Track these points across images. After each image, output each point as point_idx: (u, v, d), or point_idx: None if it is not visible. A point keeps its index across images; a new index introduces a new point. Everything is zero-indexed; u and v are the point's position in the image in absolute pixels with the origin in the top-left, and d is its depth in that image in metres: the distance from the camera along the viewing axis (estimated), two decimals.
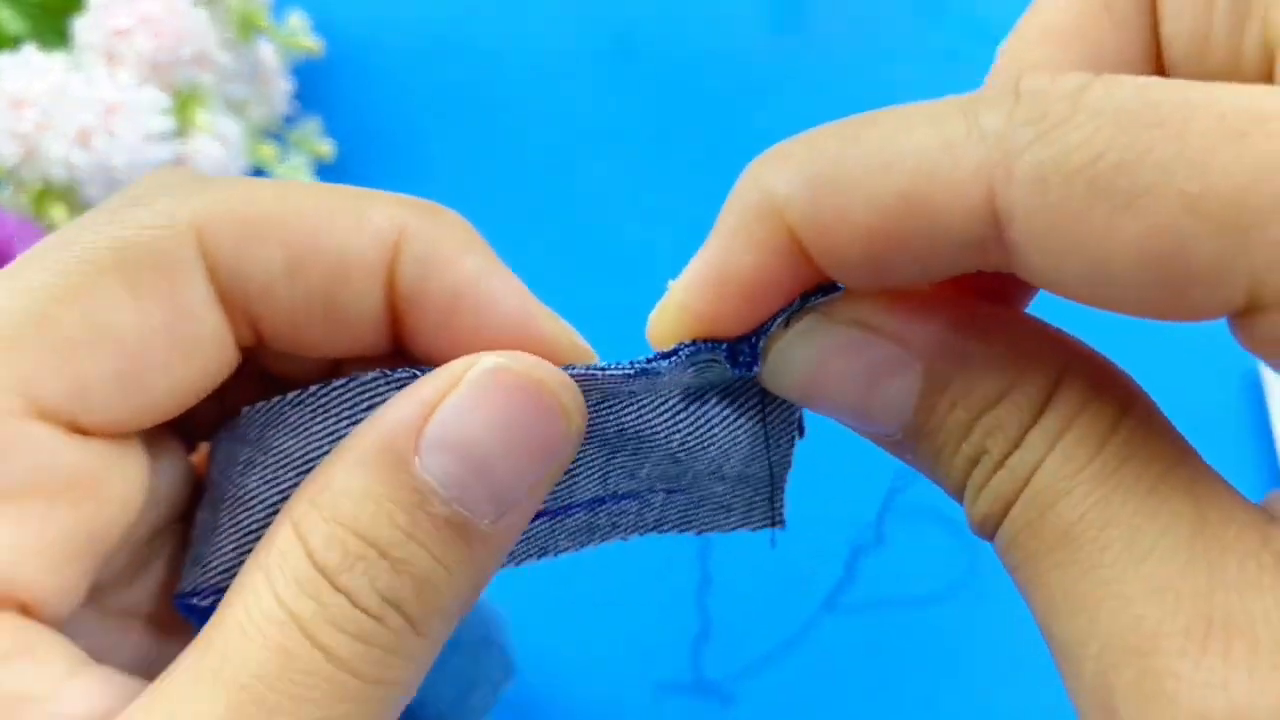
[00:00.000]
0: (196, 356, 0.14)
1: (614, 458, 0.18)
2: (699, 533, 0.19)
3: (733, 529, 0.19)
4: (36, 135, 0.44)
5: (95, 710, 0.12)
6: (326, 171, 0.55)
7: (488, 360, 0.14)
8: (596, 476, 0.19)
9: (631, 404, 0.18)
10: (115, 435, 0.14)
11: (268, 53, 0.54)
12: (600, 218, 0.56)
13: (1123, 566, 0.12)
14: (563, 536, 0.19)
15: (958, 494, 0.14)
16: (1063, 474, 0.13)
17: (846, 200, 0.13)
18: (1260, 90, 0.11)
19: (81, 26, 0.47)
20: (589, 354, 0.16)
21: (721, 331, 0.16)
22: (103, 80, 0.45)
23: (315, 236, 0.14)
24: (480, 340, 0.15)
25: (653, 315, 0.17)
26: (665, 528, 0.20)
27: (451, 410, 0.13)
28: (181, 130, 0.48)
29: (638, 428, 0.18)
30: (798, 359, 0.14)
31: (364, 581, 0.12)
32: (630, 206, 0.56)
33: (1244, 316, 0.12)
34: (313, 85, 0.58)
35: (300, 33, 0.53)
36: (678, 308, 0.16)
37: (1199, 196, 0.11)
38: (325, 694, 0.11)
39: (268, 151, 0.51)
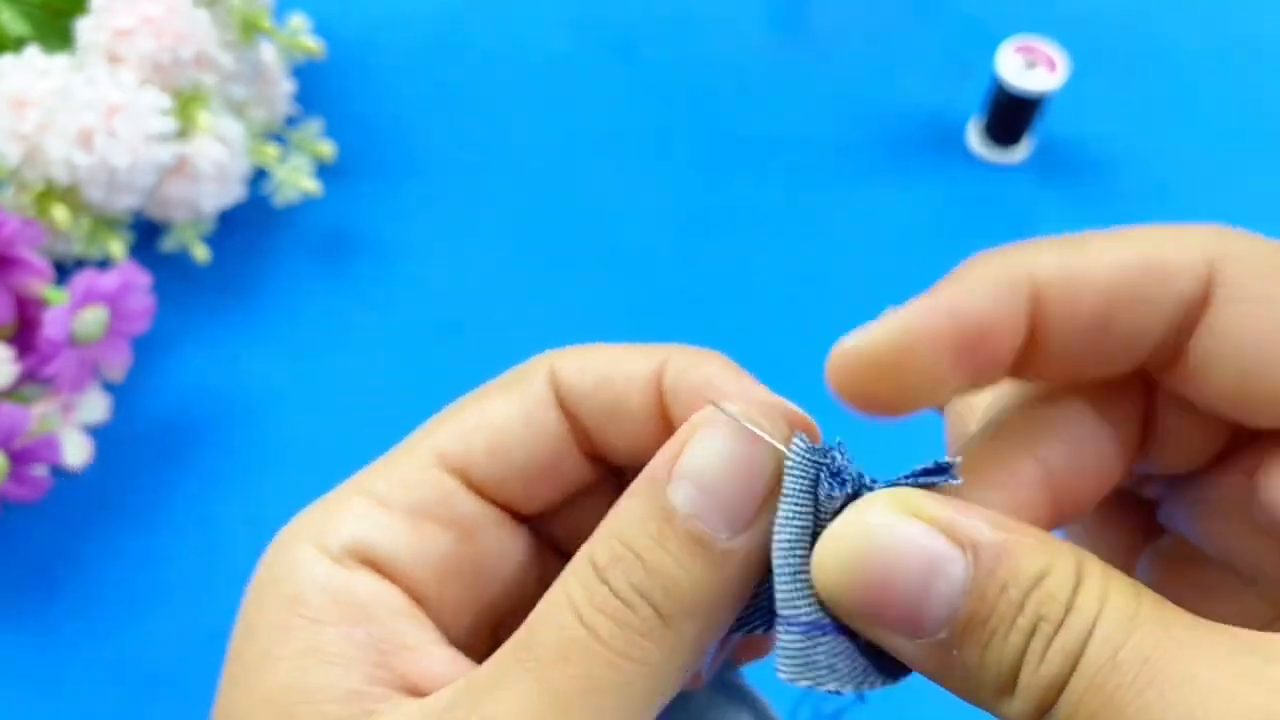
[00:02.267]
0: (545, 443, 0.19)
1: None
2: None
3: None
4: (38, 136, 0.44)
5: (448, 674, 0.17)
6: (328, 172, 0.55)
7: (710, 409, 0.17)
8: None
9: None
10: (496, 502, 0.19)
11: (269, 54, 0.54)
12: (600, 219, 0.56)
13: (1210, 679, 0.13)
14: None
15: (1007, 679, 0.15)
16: (1122, 619, 0.14)
17: (1089, 261, 0.16)
18: None
19: (84, 27, 0.47)
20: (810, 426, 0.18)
21: (904, 373, 0.17)
22: (104, 81, 0.45)
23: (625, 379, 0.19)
24: None
25: (854, 337, 0.18)
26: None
27: (692, 447, 0.16)
28: (183, 131, 0.48)
29: None
30: (874, 549, 0.15)
31: (622, 576, 0.16)
32: (630, 208, 0.57)
33: None
34: (314, 86, 0.59)
35: (301, 34, 0.54)
36: (894, 330, 0.17)
37: None
38: (585, 660, 0.15)
39: (269, 152, 0.51)
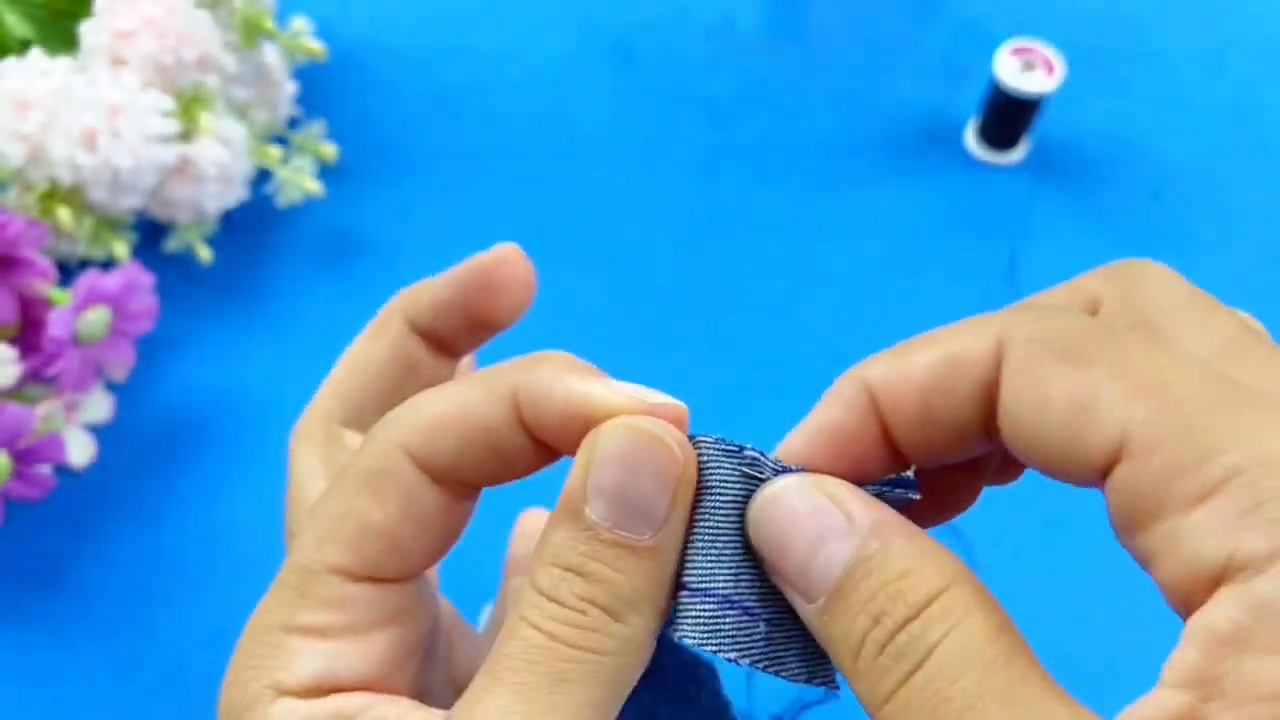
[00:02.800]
0: (430, 524, 0.20)
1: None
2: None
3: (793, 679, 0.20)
4: (41, 136, 0.44)
5: None
6: (330, 173, 0.55)
7: (605, 425, 0.18)
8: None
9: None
10: (403, 580, 0.21)
11: (272, 56, 0.54)
12: (600, 220, 0.56)
13: None
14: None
15: (852, 661, 0.17)
16: (969, 652, 0.16)
17: (907, 364, 0.18)
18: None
19: (87, 29, 0.47)
20: (674, 408, 0.20)
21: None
22: (106, 82, 0.45)
23: (466, 420, 0.20)
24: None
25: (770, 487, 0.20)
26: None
27: (596, 469, 0.18)
28: (186, 132, 0.48)
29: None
30: (777, 507, 0.19)
31: (567, 591, 0.18)
32: (630, 209, 0.57)
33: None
34: (316, 88, 0.59)
35: (304, 36, 0.54)
36: (786, 453, 0.20)
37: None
38: (551, 660, 0.18)
39: (272, 153, 0.52)
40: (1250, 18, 0.66)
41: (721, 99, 0.61)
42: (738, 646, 0.19)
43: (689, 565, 0.19)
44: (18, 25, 0.50)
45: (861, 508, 0.18)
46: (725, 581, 0.19)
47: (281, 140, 0.55)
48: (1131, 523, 0.16)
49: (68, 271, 0.49)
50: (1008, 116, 0.57)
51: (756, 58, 0.63)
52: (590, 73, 0.62)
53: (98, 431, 0.46)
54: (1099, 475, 0.17)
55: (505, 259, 0.25)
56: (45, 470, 0.43)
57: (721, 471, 0.19)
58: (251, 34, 0.51)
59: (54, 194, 0.46)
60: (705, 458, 0.19)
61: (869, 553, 0.17)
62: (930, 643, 0.16)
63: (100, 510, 0.47)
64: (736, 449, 0.19)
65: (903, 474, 0.19)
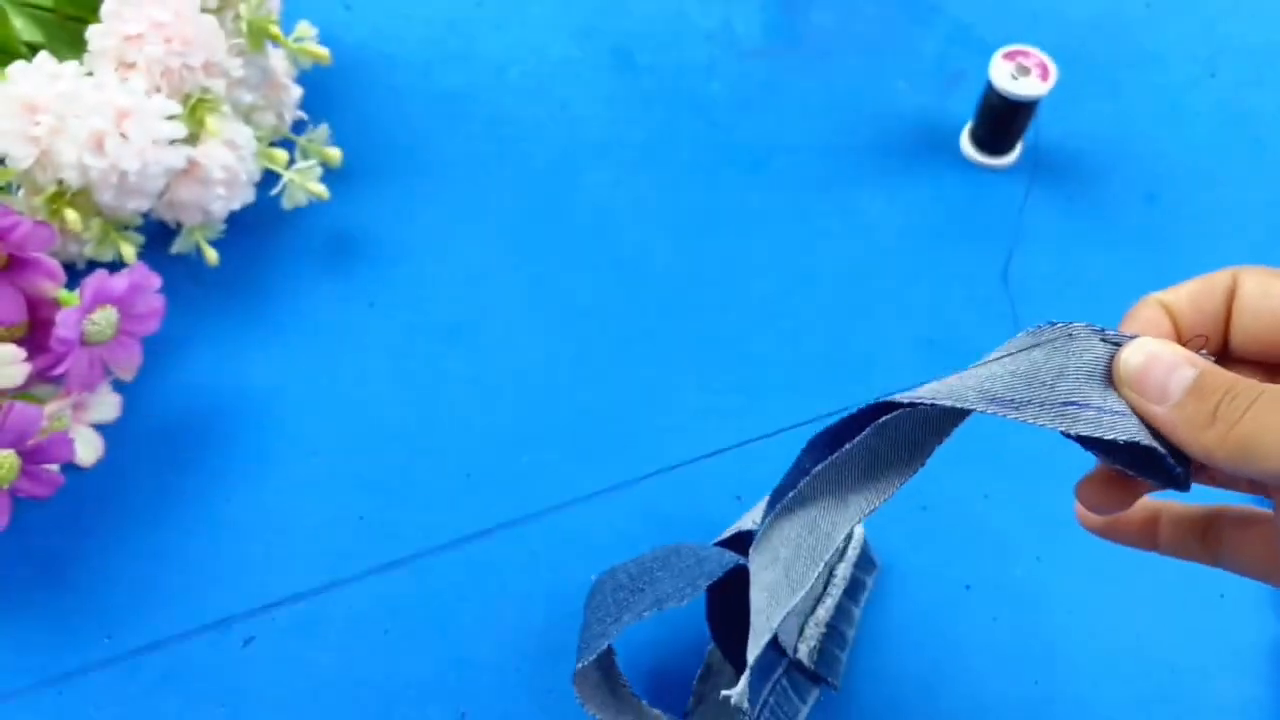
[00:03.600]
0: None
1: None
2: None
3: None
4: (50, 139, 0.45)
5: None
6: (335, 177, 0.55)
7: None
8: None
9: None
10: None
11: (278, 60, 0.54)
12: (601, 222, 0.57)
13: None
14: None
15: (1209, 418, 0.26)
16: (1264, 407, 0.25)
17: (1178, 289, 0.31)
18: None
19: (94, 33, 0.47)
20: None
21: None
22: (114, 86, 0.46)
23: None
24: None
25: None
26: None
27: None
28: (192, 136, 0.49)
29: None
30: (1136, 354, 0.28)
31: None
32: (630, 212, 0.57)
33: None
34: (321, 93, 0.59)
35: (309, 41, 0.54)
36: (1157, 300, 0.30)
37: None
38: None
39: (278, 157, 0.52)
40: (1243, 21, 0.66)
41: (719, 103, 0.62)
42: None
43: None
44: (26, 29, 0.50)
45: (1191, 355, 0.27)
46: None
47: (287, 144, 0.55)
48: None
49: (75, 273, 0.50)
50: (1002, 120, 0.57)
51: (754, 62, 0.63)
52: (590, 77, 0.62)
53: (105, 431, 0.47)
54: None
55: None
56: (53, 469, 0.43)
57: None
58: (257, 39, 0.52)
59: (62, 196, 0.47)
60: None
61: (1205, 370, 0.27)
62: (1253, 397, 0.26)
63: (107, 509, 0.47)
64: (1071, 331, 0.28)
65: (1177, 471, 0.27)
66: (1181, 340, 0.29)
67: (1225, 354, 0.30)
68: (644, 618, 0.37)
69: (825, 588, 0.44)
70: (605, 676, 0.41)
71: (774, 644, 0.42)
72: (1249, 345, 0.29)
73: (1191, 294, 0.29)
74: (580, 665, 0.35)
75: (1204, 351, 0.28)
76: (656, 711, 0.39)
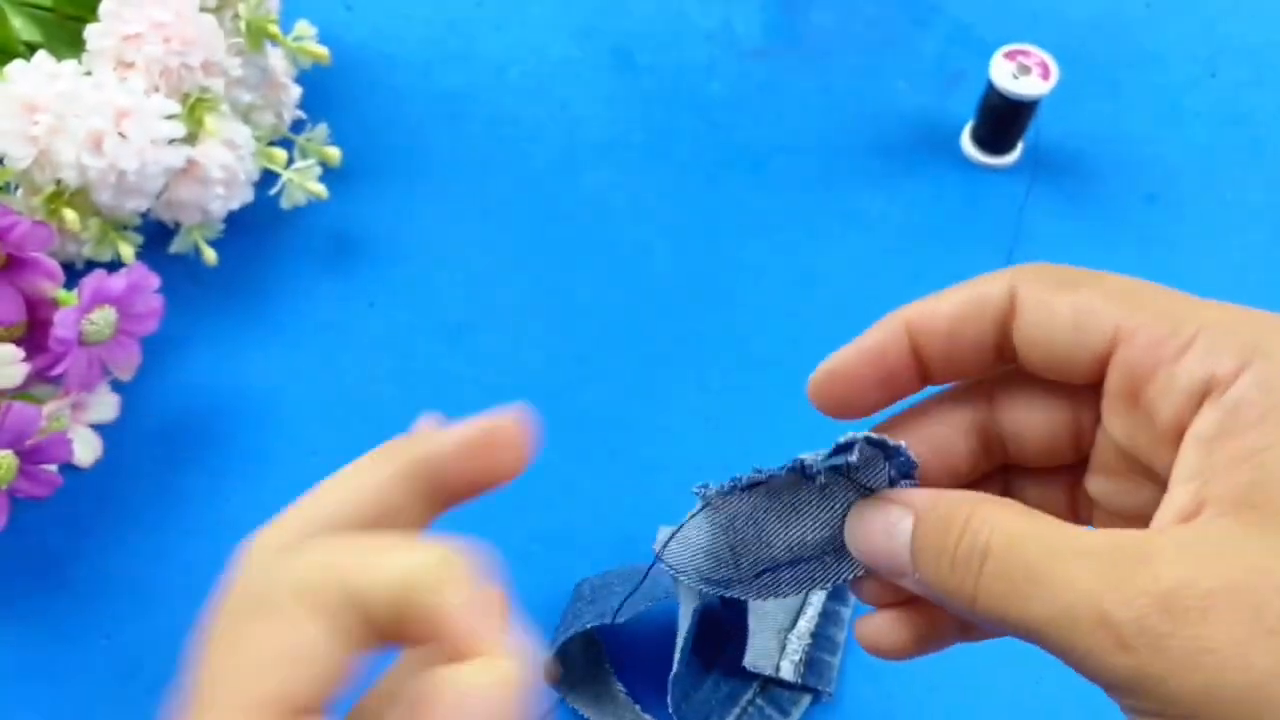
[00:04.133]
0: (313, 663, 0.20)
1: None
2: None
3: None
4: (48, 139, 0.45)
5: None
6: (334, 176, 0.55)
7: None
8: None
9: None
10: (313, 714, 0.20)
11: (277, 60, 0.54)
12: (601, 223, 0.57)
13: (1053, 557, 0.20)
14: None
15: (948, 567, 0.21)
16: (1014, 525, 0.21)
17: (938, 302, 0.24)
18: None
19: (93, 33, 0.47)
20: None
21: (849, 398, 0.25)
22: (113, 85, 0.46)
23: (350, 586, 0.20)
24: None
25: (816, 371, 0.25)
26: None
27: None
28: (191, 135, 0.49)
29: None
30: (857, 522, 0.24)
31: None
32: (630, 212, 0.57)
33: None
34: (320, 92, 0.59)
35: (308, 41, 0.54)
36: (831, 366, 0.24)
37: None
38: None
39: (277, 157, 0.52)
40: (1243, 21, 0.66)
41: (720, 103, 0.61)
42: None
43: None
44: (24, 29, 0.50)
45: (906, 495, 0.23)
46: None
47: (286, 143, 0.55)
48: (1132, 390, 0.21)
49: (74, 272, 0.50)
50: (1003, 120, 0.57)
51: (754, 62, 0.63)
52: (590, 77, 0.62)
53: (104, 431, 0.47)
54: (1099, 365, 0.22)
55: (510, 426, 0.25)
56: (52, 469, 0.43)
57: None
58: (256, 38, 0.52)
59: (60, 196, 0.47)
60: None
61: (924, 516, 0.22)
62: (984, 542, 0.21)
63: (106, 509, 0.47)
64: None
65: (898, 444, 0.23)
66: (915, 379, 0.24)
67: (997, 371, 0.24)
68: (586, 629, 0.39)
69: (803, 602, 0.44)
70: (592, 666, 0.41)
71: (739, 670, 0.42)
72: (1035, 360, 0.23)
73: (953, 316, 0.23)
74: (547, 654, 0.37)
75: (898, 444, 0.23)
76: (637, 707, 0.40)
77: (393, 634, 0.19)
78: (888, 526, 0.23)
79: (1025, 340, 0.23)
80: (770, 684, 0.43)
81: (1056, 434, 0.24)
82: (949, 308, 0.23)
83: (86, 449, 0.46)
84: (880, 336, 0.24)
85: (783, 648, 0.43)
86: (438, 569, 0.20)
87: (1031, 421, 0.24)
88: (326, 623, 0.19)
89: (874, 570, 0.23)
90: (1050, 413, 0.24)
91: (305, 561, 0.20)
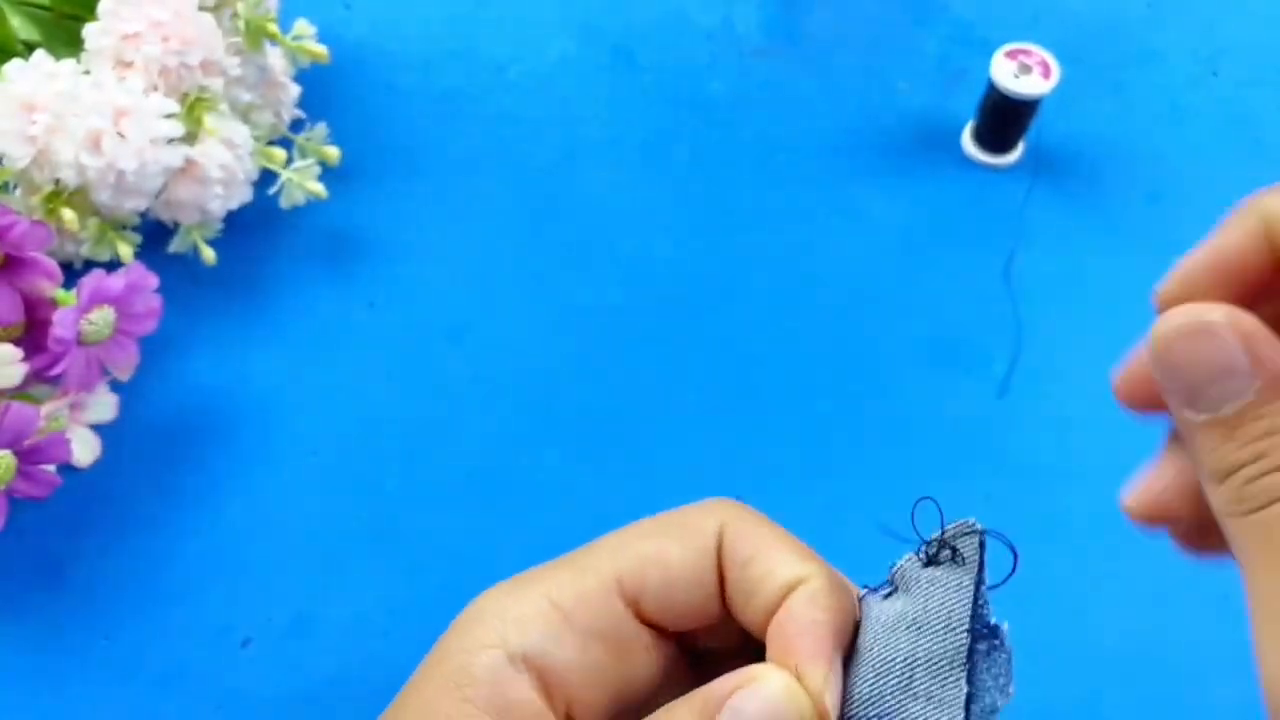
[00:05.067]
0: (704, 589, 0.25)
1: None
2: None
3: None
4: (47, 138, 0.45)
5: None
6: (333, 176, 0.55)
7: (763, 679, 0.22)
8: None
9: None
10: (651, 624, 0.26)
11: (276, 59, 0.54)
12: (601, 222, 0.57)
13: None
14: None
15: (1223, 473, 0.19)
16: None
17: None
18: None
19: (91, 32, 0.47)
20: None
21: (1199, 293, 0.21)
22: (111, 85, 0.46)
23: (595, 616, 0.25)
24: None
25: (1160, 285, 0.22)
26: None
27: (741, 695, 0.22)
28: (190, 135, 0.49)
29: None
30: (1176, 326, 0.20)
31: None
32: (630, 212, 0.57)
33: None
34: (319, 91, 0.59)
35: (307, 40, 0.54)
36: (1177, 277, 0.21)
37: None
38: None
39: (276, 156, 0.52)
40: (1244, 21, 0.66)
41: (720, 101, 0.61)
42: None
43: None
44: (23, 28, 0.50)
45: (1270, 353, 0.19)
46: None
47: (285, 142, 0.55)
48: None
49: (72, 272, 0.50)
50: (1004, 119, 0.57)
51: (755, 60, 0.63)
52: (590, 75, 0.62)
53: (102, 431, 0.47)
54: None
55: None
56: (50, 469, 0.43)
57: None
58: (255, 37, 0.52)
59: (59, 195, 0.47)
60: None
61: (1268, 398, 0.19)
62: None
63: (104, 509, 0.47)
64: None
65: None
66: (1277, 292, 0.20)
67: None
68: None
69: None
70: None
71: None
72: None
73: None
74: None
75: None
76: None
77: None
78: (1230, 365, 0.19)
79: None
80: None
81: None
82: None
83: (85, 449, 0.46)
84: (1236, 238, 0.20)
85: None
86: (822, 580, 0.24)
87: None
88: None
89: (1161, 378, 0.20)
90: None
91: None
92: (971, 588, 0.21)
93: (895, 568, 0.23)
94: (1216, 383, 0.19)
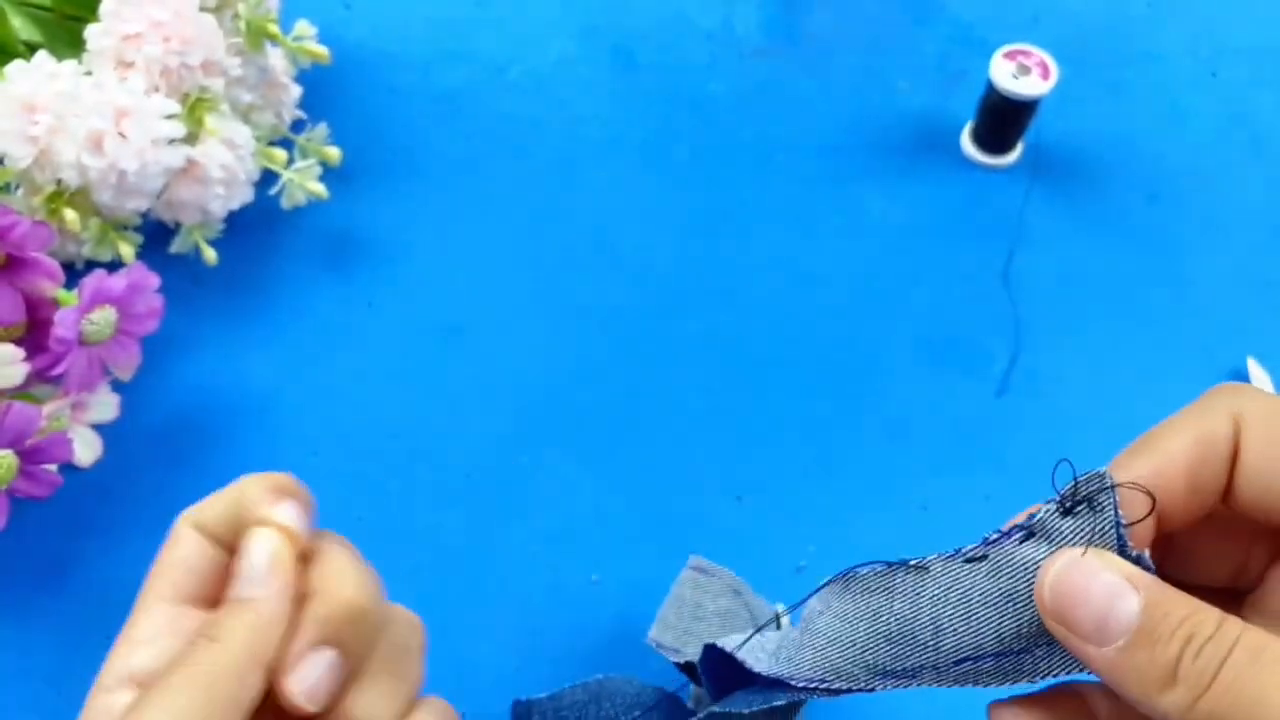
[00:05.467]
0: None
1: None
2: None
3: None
4: (48, 139, 0.45)
5: None
6: (334, 176, 0.55)
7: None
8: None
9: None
10: None
11: (276, 59, 0.54)
12: (601, 222, 0.57)
13: None
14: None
15: (1168, 675, 0.20)
16: (1259, 639, 0.20)
17: (1166, 453, 0.23)
18: None
19: (93, 32, 0.47)
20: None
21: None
22: (113, 85, 0.46)
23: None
24: None
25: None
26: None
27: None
28: (191, 135, 0.49)
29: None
30: (1069, 576, 0.22)
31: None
32: (630, 212, 0.57)
33: None
34: (320, 92, 0.59)
35: (308, 40, 0.54)
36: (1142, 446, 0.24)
37: None
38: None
39: (277, 156, 0.52)
40: (1244, 21, 0.66)
41: (720, 102, 0.61)
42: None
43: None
44: (24, 28, 0.50)
45: (1132, 571, 0.21)
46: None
47: (286, 143, 0.55)
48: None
49: (74, 272, 0.50)
50: (1003, 120, 0.57)
51: (754, 62, 0.63)
52: (591, 76, 0.62)
53: (104, 430, 0.47)
54: None
55: None
56: (52, 469, 0.43)
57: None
58: (256, 38, 0.52)
59: (60, 195, 0.47)
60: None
61: (1158, 601, 0.21)
62: (1230, 641, 0.20)
63: (106, 509, 0.47)
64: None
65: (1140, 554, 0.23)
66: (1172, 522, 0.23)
67: (1221, 503, 0.23)
68: None
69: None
70: None
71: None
72: (1253, 504, 0.23)
73: (1186, 466, 0.23)
74: None
75: (1141, 553, 0.22)
76: None
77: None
78: (1111, 592, 0.21)
79: (1249, 486, 0.22)
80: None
81: (1220, 562, 0.24)
82: (1181, 457, 0.23)
83: (86, 449, 0.46)
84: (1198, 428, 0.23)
85: None
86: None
87: (1197, 543, 0.24)
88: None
89: (1062, 631, 0.22)
90: (1222, 542, 0.24)
91: None
92: (1113, 532, 0.22)
93: (1034, 518, 0.24)
94: (1113, 605, 0.21)
